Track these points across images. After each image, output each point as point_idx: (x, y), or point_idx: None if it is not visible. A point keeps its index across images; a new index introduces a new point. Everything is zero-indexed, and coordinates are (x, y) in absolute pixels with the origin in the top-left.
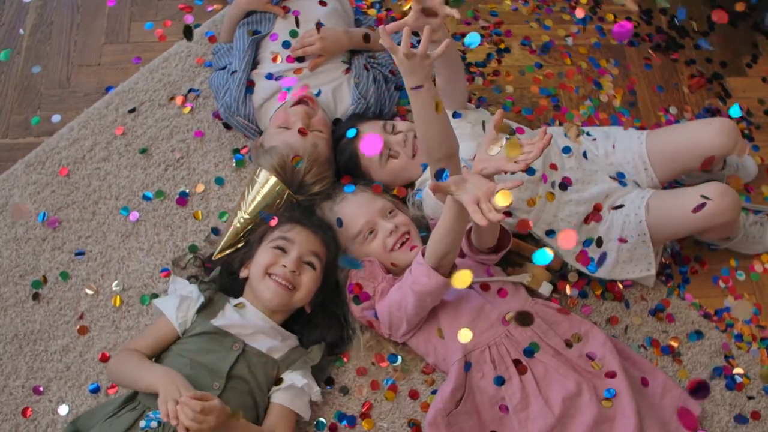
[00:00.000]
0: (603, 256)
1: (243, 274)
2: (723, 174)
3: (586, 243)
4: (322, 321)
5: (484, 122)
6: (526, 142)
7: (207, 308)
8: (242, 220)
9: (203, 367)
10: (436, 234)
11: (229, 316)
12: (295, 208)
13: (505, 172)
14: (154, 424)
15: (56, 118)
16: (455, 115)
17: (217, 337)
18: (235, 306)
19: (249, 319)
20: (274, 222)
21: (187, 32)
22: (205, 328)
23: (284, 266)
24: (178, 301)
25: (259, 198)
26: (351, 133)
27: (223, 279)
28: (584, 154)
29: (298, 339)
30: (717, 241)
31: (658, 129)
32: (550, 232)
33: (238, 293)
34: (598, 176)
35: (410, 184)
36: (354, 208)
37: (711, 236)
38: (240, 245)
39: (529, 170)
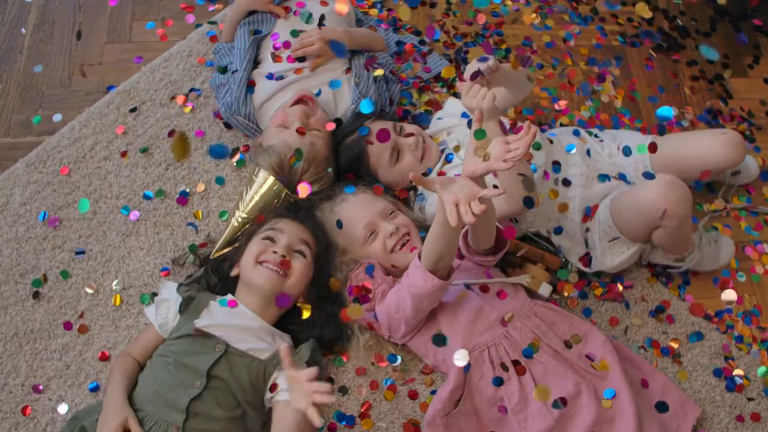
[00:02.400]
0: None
1: (234, 272)
2: (725, 174)
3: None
4: (319, 318)
5: None
6: (512, 138)
7: (190, 308)
8: (240, 219)
9: (186, 366)
10: (431, 237)
11: (215, 315)
12: (289, 208)
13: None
14: None
15: (57, 117)
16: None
17: (200, 338)
18: (227, 303)
19: (237, 319)
20: (261, 219)
21: None
22: (189, 330)
23: (275, 252)
24: (156, 307)
25: (257, 197)
26: (364, 131)
27: (211, 280)
28: (588, 152)
29: (295, 338)
30: (674, 263)
31: (665, 136)
32: (559, 229)
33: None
34: (602, 176)
35: (413, 187)
36: (354, 210)
37: (670, 251)
38: (237, 244)
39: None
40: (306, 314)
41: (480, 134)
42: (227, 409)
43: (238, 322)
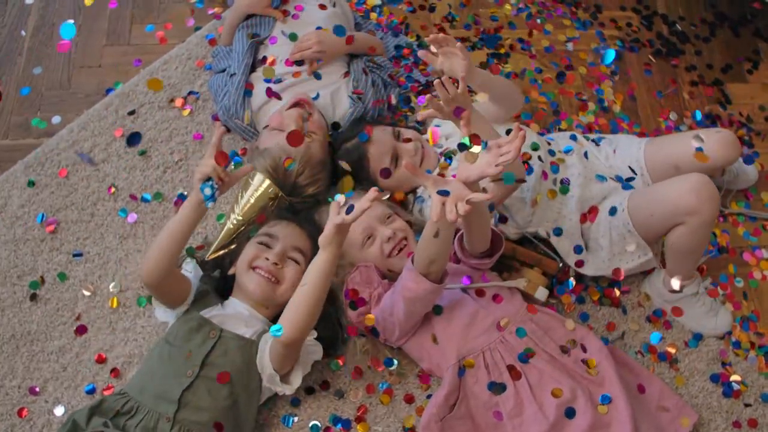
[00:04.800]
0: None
1: (231, 271)
2: (723, 179)
3: (578, 249)
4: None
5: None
6: (504, 141)
7: (201, 300)
8: (235, 222)
9: (180, 356)
10: (422, 239)
11: (218, 310)
12: (289, 209)
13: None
14: (208, 190)
15: (56, 119)
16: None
17: (197, 324)
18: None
19: (235, 313)
20: (262, 218)
21: None
22: (192, 315)
23: (267, 259)
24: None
25: (252, 200)
26: (363, 137)
27: (216, 279)
28: (585, 155)
29: None
30: (668, 294)
31: (659, 137)
32: (557, 230)
33: (229, 293)
34: (599, 176)
35: (412, 190)
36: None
37: (676, 265)
38: (232, 246)
39: (528, 170)
40: None
41: (463, 146)
42: (219, 399)
43: (237, 316)
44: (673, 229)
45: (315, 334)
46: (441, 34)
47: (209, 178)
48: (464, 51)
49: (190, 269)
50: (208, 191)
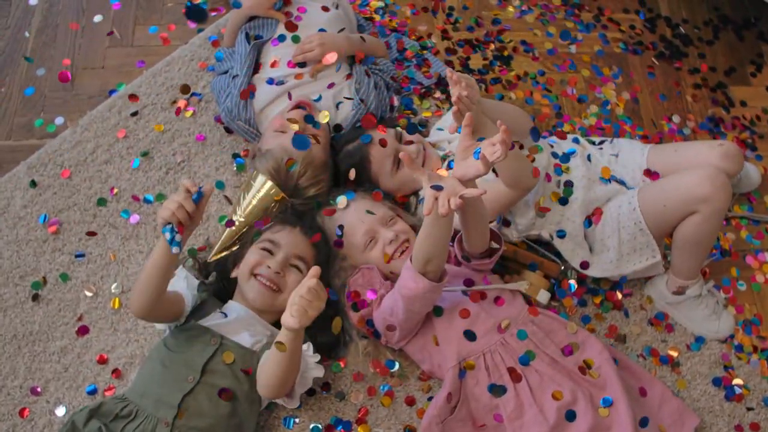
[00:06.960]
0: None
1: (234, 274)
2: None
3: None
4: (316, 322)
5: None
6: (495, 140)
7: (198, 310)
8: (237, 223)
9: (180, 361)
10: (419, 238)
11: (218, 317)
12: (288, 211)
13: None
14: (167, 235)
15: (59, 120)
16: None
17: (196, 332)
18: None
19: (237, 317)
20: (266, 222)
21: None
22: (190, 324)
23: (269, 267)
24: (192, 296)
25: (255, 201)
26: (366, 138)
27: (217, 281)
28: (588, 158)
29: None
30: (671, 295)
31: (663, 145)
32: (560, 232)
33: (230, 294)
34: (603, 178)
35: (414, 192)
36: (354, 216)
37: (683, 263)
38: (234, 248)
39: None
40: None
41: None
42: (220, 406)
43: (238, 321)
44: (683, 221)
45: (318, 357)
46: (454, 75)
47: (170, 223)
48: (472, 85)
49: (183, 285)
50: (167, 236)
